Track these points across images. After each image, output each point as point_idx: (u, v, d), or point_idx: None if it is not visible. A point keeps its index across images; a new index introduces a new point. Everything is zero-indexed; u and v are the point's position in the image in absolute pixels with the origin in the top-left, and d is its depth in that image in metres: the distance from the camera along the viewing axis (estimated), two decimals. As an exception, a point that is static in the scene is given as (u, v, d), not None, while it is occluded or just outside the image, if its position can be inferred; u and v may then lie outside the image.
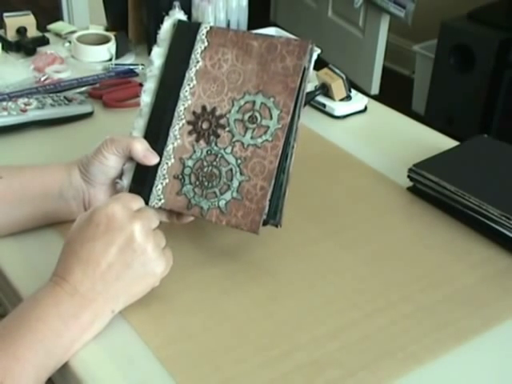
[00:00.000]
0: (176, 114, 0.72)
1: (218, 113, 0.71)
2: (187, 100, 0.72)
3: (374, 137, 1.02)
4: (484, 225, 0.79)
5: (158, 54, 0.74)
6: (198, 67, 0.72)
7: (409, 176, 0.87)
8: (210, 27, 0.73)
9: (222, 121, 0.71)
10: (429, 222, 0.82)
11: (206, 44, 0.73)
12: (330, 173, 0.92)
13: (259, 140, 0.70)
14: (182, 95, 0.72)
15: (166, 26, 0.75)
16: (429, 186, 0.84)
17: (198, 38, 0.73)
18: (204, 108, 0.72)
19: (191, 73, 0.72)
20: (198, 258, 0.74)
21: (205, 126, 0.71)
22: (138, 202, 0.67)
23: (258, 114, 0.70)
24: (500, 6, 2.53)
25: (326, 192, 0.87)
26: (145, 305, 0.66)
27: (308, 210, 0.83)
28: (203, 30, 0.73)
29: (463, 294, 0.71)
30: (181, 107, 0.72)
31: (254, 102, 0.70)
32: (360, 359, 0.62)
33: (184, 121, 0.72)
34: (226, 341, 0.63)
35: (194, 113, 0.72)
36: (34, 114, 0.96)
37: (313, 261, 0.75)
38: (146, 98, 0.74)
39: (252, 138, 0.70)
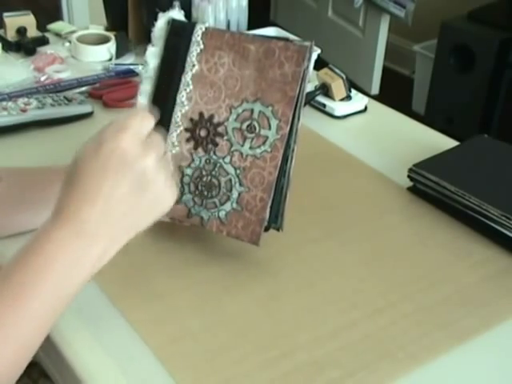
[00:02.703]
0: (173, 119, 0.71)
1: (215, 120, 0.70)
2: (184, 106, 0.71)
3: (374, 137, 1.02)
4: (484, 225, 0.79)
5: (153, 54, 0.72)
6: (194, 71, 0.71)
7: (409, 176, 0.87)
8: (206, 28, 0.71)
9: (220, 129, 0.70)
10: (429, 222, 0.82)
11: (202, 46, 0.71)
12: (330, 173, 0.92)
13: (258, 150, 0.69)
14: (178, 100, 0.71)
15: (160, 24, 0.72)
16: (429, 185, 0.84)
17: (194, 39, 0.71)
18: (201, 115, 0.70)
19: (187, 77, 0.71)
20: (198, 258, 0.73)
21: (203, 133, 0.70)
22: (148, 122, 0.61)
23: (256, 124, 0.69)
24: (500, 6, 2.53)
25: (326, 192, 0.87)
26: (145, 304, 0.66)
27: (308, 210, 0.83)
28: (198, 32, 0.71)
29: (463, 294, 0.71)
30: (178, 113, 0.71)
31: (252, 111, 0.69)
32: (360, 359, 0.62)
33: (182, 127, 0.71)
34: (226, 340, 0.63)
35: (191, 119, 0.71)
36: (33, 114, 0.96)
37: (313, 261, 0.74)
38: (143, 100, 0.72)
39: (251, 148, 0.69)
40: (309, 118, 1.05)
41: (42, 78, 1.12)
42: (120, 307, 0.66)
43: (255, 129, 0.69)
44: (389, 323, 0.66)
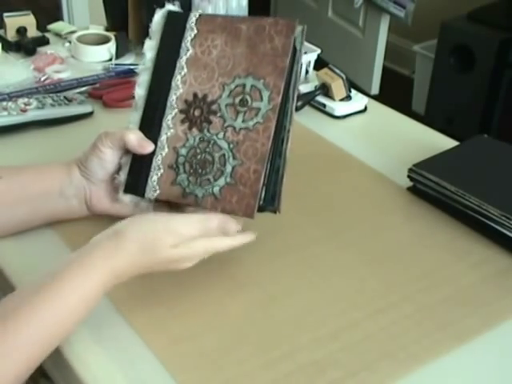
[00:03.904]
0: (168, 103, 0.72)
1: (209, 99, 0.71)
2: (179, 89, 0.72)
3: (374, 137, 1.02)
4: (484, 225, 0.79)
5: (150, 47, 0.74)
6: (188, 55, 0.72)
7: (409, 176, 0.87)
8: (199, 15, 0.73)
9: (214, 107, 0.71)
10: (429, 222, 0.82)
11: (196, 32, 0.73)
12: (330, 173, 0.92)
13: (250, 123, 0.69)
14: (173, 84, 0.72)
15: (157, 18, 0.74)
16: (429, 186, 0.84)
17: (188, 26, 0.73)
18: (195, 95, 0.71)
19: (182, 61, 0.72)
20: (198, 258, 0.73)
21: (197, 113, 0.71)
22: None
23: (248, 97, 0.69)
24: (500, 6, 2.53)
25: (326, 192, 0.87)
26: (146, 306, 0.66)
27: (308, 210, 0.83)
28: (192, 19, 0.73)
29: (463, 293, 0.71)
30: (173, 96, 0.72)
31: (244, 85, 0.70)
32: (361, 359, 0.62)
33: (176, 110, 0.72)
34: (227, 341, 0.63)
35: (185, 101, 0.72)
36: (33, 114, 0.96)
37: (313, 261, 0.74)
38: (140, 91, 0.74)
39: (243, 121, 0.69)
40: (309, 118, 1.05)
41: (42, 78, 1.12)
42: (121, 309, 0.66)
43: (247, 102, 0.69)
44: (389, 323, 0.66)
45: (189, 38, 0.73)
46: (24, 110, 0.95)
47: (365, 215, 0.83)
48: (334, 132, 1.02)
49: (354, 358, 0.62)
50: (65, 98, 1.01)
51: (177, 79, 0.72)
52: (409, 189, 0.88)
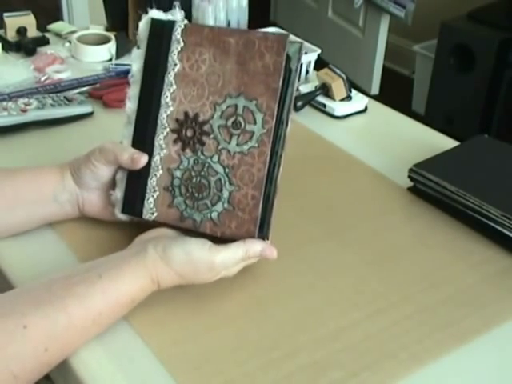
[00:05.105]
0: (159, 121, 0.70)
1: (200, 119, 0.69)
2: (169, 106, 0.70)
3: (374, 137, 1.02)
4: (484, 225, 0.79)
5: (138, 57, 0.72)
6: (176, 70, 0.70)
7: (409, 176, 0.87)
8: (185, 25, 0.70)
9: (206, 127, 0.69)
10: (429, 222, 0.82)
11: (182, 44, 0.70)
12: (330, 173, 0.92)
13: (245, 147, 0.67)
14: (163, 101, 0.70)
15: (142, 26, 0.72)
16: (429, 186, 0.84)
17: (174, 37, 0.70)
18: (186, 114, 0.69)
19: (170, 77, 0.70)
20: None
21: (189, 133, 0.69)
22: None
23: (241, 119, 0.68)
24: (500, 6, 2.53)
25: (326, 192, 0.87)
26: (146, 306, 0.66)
27: (308, 210, 0.83)
28: (178, 29, 0.70)
29: (464, 294, 0.71)
30: (163, 115, 0.70)
31: (236, 106, 0.68)
32: (362, 360, 0.62)
33: (168, 129, 0.70)
34: (227, 342, 0.63)
35: (177, 120, 0.70)
36: (34, 114, 0.96)
37: (313, 261, 0.74)
38: (132, 105, 0.72)
39: (238, 144, 0.68)
40: (309, 118, 1.05)
41: (42, 79, 1.12)
42: (120, 307, 0.66)
43: (240, 125, 0.68)
44: (390, 324, 0.66)
45: (175, 52, 0.70)
46: (24, 110, 0.95)
47: (365, 215, 0.83)
48: (333, 132, 1.02)
49: (355, 358, 0.62)
50: (65, 98, 1.01)
51: (166, 96, 0.70)
52: (409, 189, 0.88)
